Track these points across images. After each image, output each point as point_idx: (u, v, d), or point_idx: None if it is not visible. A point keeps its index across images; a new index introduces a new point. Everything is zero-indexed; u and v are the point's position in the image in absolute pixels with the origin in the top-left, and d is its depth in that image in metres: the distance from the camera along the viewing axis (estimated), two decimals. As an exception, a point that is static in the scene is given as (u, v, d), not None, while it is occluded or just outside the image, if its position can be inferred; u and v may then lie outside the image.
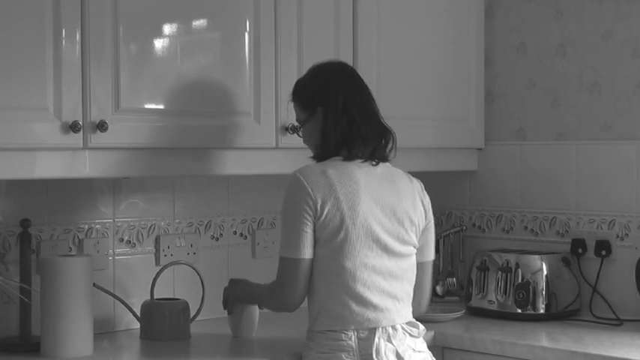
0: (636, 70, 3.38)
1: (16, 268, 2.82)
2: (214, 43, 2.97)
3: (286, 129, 3.04)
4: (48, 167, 2.63)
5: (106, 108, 2.69)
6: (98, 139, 2.66)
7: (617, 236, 3.41)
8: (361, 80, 2.78)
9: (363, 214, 2.60)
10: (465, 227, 3.78)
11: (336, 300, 2.60)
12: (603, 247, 3.43)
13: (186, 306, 3.00)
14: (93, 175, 2.75)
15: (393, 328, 2.63)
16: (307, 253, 2.60)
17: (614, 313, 3.32)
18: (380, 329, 2.61)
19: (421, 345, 2.71)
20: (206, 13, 2.92)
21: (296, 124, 2.90)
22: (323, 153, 2.71)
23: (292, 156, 3.06)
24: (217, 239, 3.36)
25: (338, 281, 2.60)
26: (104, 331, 3.04)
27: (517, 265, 3.38)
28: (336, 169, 2.64)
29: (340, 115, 2.68)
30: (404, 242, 2.68)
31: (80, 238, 3.05)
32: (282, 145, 3.05)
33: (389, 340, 2.61)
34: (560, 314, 3.36)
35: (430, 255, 2.81)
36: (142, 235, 3.19)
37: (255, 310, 2.99)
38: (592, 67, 3.49)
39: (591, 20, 3.48)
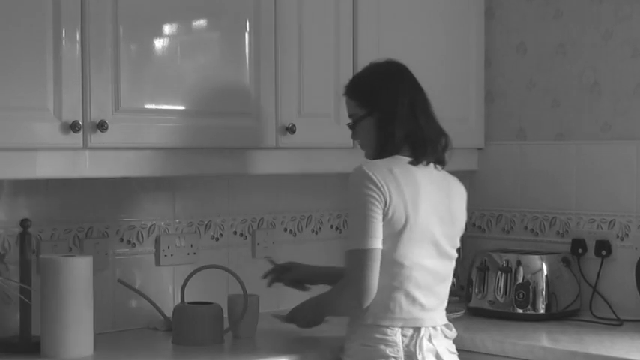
0: (636, 70, 3.38)
1: (16, 268, 2.81)
2: (214, 43, 2.97)
3: (286, 129, 3.04)
4: (48, 167, 2.63)
5: (106, 108, 2.69)
6: (98, 139, 2.66)
7: (617, 236, 3.41)
8: (419, 83, 2.80)
9: (424, 216, 2.64)
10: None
11: (388, 296, 2.62)
12: (603, 247, 3.43)
13: (220, 310, 2.92)
14: (93, 175, 2.74)
15: (434, 328, 2.68)
16: (378, 243, 2.59)
17: (614, 313, 3.32)
18: (424, 328, 2.65)
19: (453, 346, 2.77)
20: (206, 13, 2.92)
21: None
22: (383, 151, 2.71)
23: (292, 156, 3.07)
24: (217, 239, 3.36)
25: (393, 278, 2.62)
26: (104, 331, 3.04)
27: (517, 265, 3.38)
28: (401, 167, 2.65)
29: (406, 116, 2.69)
30: (454, 245, 2.75)
31: (80, 238, 3.05)
32: (282, 145, 3.05)
33: (430, 340, 2.66)
34: (560, 314, 3.36)
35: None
36: (142, 235, 3.19)
37: (256, 310, 2.99)
38: (592, 67, 3.49)
39: (591, 20, 3.48)
